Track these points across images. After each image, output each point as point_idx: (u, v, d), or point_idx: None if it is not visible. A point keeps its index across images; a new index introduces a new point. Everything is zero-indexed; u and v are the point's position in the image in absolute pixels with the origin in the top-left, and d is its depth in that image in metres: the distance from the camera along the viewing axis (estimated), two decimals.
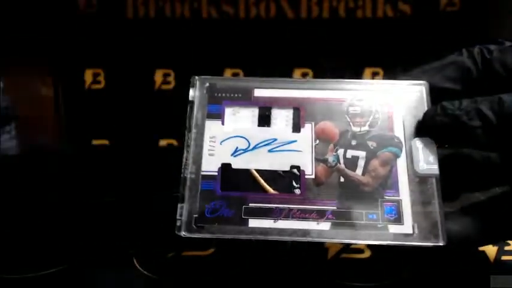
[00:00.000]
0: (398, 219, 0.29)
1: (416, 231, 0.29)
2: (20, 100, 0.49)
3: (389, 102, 0.32)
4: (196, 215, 0.29)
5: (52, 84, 0.50)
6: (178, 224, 0.29)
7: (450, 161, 0.30)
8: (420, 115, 0.30)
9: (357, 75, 0.49)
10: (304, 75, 0.49)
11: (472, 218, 0.29)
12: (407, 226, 0.29)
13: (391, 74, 0.48)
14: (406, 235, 0.29)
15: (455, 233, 0.28)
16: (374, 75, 0.49)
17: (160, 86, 0.50)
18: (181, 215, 0.29)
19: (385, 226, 0.29)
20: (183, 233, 0.29)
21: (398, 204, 0.30)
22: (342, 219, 0.29)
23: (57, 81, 0.50)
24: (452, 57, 0.30)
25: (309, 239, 0.29)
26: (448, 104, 0.28)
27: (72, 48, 0.49)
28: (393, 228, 0.29)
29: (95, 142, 0.49)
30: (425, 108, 0.30)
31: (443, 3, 0.48)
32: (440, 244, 0.28)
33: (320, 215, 0.29)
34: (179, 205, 0.29)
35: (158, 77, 0.50)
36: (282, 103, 0.33)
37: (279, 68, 0.49)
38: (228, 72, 0.49)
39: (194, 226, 0.29)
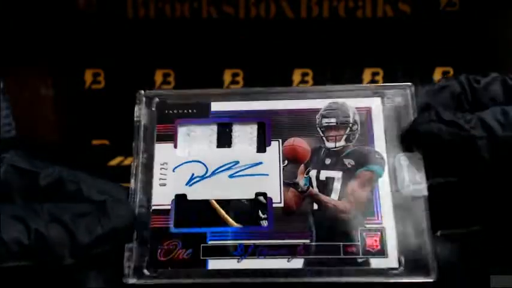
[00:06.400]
0: (381, 252, 0.24)
1: (402, 264, 0.24)
2: (20, 100, 0.49)
3: (369, 110, 0.27)
4: (148, 258, 0.24)
5: (52, 84, 0.50)
6: (126, 271, 0.24)
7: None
8: (405, 125, 0.26)
9: (357, 75, 0.49)
10: (304, 75, 0.49)
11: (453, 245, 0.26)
12: (391, 259, 0.24)
13: (391, 74, 0.48)
14: (391, 270, 0.24)
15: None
16: (374, 75, 0.49)
17: (160, 86, 0.50)
18: (129, 259, 0.24)
19: (366, 261, 0.24)
20: (131, 281, 0.24)
21: (381, 233, 0.25)
22: (315, 254, 0.24)
23: (57, 81, 0.50)
24: (443, 82, 0.26)
25: (278, 279, 0.24)
26: (443, 111, 0.24)
27: (72, 48, 0.49)
28: (375, 263, 0.24)
29: (95, 142, 0.49)
30: (411, 117, 0.26)
31: (443, 3, 0.48)
32: (430, 280, 0.23)
33: (291, 251, 0.24)
34: (126, 246, 0.24)
35: (158, 77, 0.50)
36: (244, 117, 0.28)
37: (279, 68, 0.49)
38: (228, 73, 0.49)
39: (146, 272, 0.24)
